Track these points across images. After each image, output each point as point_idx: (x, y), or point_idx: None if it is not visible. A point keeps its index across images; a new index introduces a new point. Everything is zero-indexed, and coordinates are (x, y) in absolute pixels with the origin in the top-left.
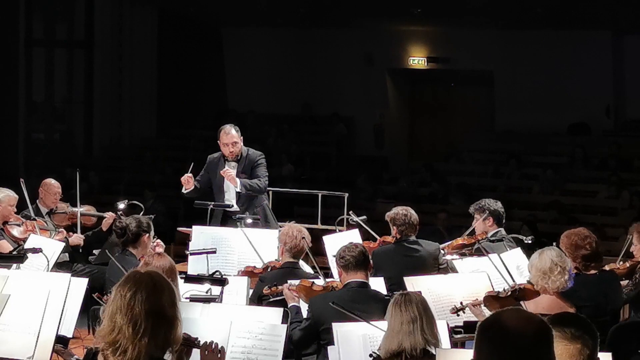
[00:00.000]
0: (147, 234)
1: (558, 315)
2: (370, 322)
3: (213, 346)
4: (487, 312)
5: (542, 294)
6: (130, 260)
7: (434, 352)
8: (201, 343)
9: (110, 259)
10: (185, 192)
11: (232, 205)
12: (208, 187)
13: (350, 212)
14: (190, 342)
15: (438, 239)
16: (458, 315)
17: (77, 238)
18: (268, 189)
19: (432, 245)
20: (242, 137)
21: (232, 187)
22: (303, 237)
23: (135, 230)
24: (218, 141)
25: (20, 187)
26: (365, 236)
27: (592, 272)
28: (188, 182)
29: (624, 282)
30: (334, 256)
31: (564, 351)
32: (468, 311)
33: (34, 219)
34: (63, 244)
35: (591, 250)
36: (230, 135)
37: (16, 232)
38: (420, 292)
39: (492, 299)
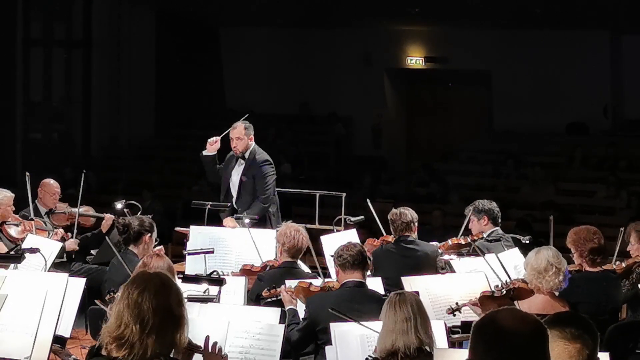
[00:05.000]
0: (149, 234)
1: (557, 314)
2: (364, 324)
3: (217, 348)
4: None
5: (536, 294)
6: (131, 259)
7: (428, 351)
8: (202, 348)
9: (114, 258)
10: (205, 153)
11: (230, 205)
12: (219, 179)
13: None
14: (194, 347)
15: (434, 238)
16: (454, 315)
17: (72, 243)
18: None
19: (430, 246)
20: (251, 136)
21: (234, 188)
22: (302, 235)
23: (137, 229)
24: None
25: (25, 182)
26: (365, 236)
27: (595, 269)
28: (214, 144)
29: None
30: (332, 256)
31: (564, 351)
32: (465, 311)
33: (32, 219)
34: (61, 244)
35: (599, 244)
36: (235, 130)
37: (14, 231)
38: (417, 292)
39: (487, 299)
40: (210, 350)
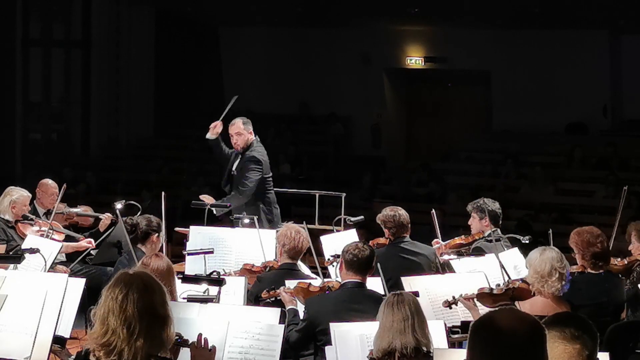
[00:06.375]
0: (157, 234)
1: (557, 315)
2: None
3: (203, 340)
4: (479, 305)
5: (537, 295)
6: (140, 256)
7: (426, 352)
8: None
9: (120, 256)
10: (207, 136)
11: (230, 205)
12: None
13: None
14: (183, 342)
15: (434, 238)
16: (450, 308)
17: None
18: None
19: (427, 247)
20: (250, 130)
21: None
22: (302, 237)
23: (145, 229)
24: None
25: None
26: (365, 236)
27: (598, 271)
28: (214, 127)
29: None
30: (332, 256)
31: (563, 351)
32: (462, 306)
33: (32, 220)
34: (60, 245)
35: (602, 249)
36: (233, 126)
37: (29, 231)
38: (417, 292)
39: (485, 295)
40: (197, 344)
